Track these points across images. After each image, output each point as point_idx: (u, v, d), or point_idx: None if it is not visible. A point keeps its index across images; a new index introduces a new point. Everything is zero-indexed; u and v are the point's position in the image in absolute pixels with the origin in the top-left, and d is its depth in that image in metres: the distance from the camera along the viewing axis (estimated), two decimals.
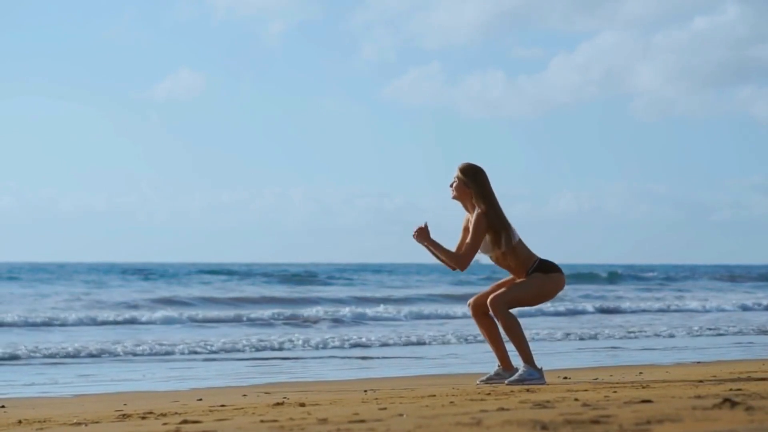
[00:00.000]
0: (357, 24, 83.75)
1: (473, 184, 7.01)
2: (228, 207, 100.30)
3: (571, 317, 20.55)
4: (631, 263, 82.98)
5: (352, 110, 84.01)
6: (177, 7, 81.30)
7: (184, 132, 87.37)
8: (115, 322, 17.83)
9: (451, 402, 5.50)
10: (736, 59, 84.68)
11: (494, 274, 30.55)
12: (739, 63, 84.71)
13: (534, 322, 16.97)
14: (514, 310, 7.00)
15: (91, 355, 11.72)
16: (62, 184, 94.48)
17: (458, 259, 6.96)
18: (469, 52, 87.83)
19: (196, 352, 12.14)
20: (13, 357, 11.39)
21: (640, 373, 8.04)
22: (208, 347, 12.44)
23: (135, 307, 22.11)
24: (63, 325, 17.13)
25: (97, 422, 5.36)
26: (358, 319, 18.62)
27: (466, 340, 13.70)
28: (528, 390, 6.42)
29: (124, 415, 5.61)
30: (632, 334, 14.98)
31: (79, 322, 17.49)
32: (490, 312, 6.97)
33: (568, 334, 14.51)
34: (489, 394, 6.14)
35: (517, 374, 6.95)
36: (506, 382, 6.94)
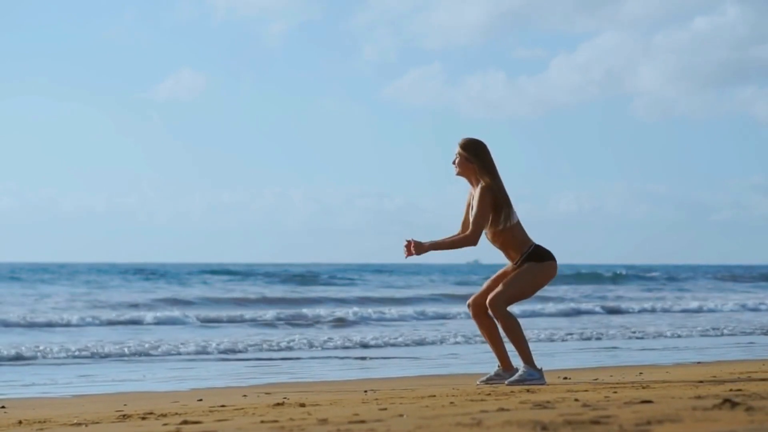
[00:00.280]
0: (358, 24, 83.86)
1: (475, 158, 6.99)
2: (228, 207, 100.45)
3: (572, 317, 20.53)
4: (631, 263, 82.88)
5: (352, 110, 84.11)
6: (177, 8, 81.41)
7: (185, 132, 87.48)
8: (116, 323, 17.82)
9: (452, 402, 5.50)
10: (736, 59, 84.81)
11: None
12: (739, 63, 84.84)
13: (534, 323, 16.95)
14: (514, 309, 6.99)
15: (91, 356, 11.71)
16: (63, 184, 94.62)
17: (467, 238, 6.91)
18: (469, 53, 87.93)
19: (196, 353, 12.14)
20: (14, 357, 11.39)
21: (641, 373, 8.04)
22: (209, 347, 12.44)
23: (135, 307, 22.10)
24: (63, 325, 17.13)
25: (97, 423, 5.36)
26: (359, 320, 18.61)
27: (466, 340, 13.69)
28: (528, 390, 6.42)
29: (124, 415, 5.61)
30: (633, 335, 14.97)
31: (80, 323, 17.49)
32: (490, 312, 6.96)
33: (569, 335, 14.52)
34: (489, 394, 6.13)
35: (517, 375, 6.94)
36: (506, 382, 6.93)
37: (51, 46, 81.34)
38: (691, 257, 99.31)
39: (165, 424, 4.93)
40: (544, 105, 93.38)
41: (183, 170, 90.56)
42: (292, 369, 10.26)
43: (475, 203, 6.94)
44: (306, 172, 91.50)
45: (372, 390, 6.99)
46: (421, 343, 13.52)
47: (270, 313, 19.31)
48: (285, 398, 6.31)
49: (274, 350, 12.49)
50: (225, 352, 12.24)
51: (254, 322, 17.95)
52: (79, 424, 5.31)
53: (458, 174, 7.05)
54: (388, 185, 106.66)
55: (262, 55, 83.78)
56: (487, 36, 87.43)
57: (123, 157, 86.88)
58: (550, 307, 22.82)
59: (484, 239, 7.03)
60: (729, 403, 4.43)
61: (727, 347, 12.59)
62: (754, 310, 23.70)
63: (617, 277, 48.27)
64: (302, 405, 5.67)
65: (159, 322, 17.85)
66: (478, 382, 7.14)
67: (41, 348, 12.02)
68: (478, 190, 6.94)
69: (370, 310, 20.48)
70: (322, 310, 20.55)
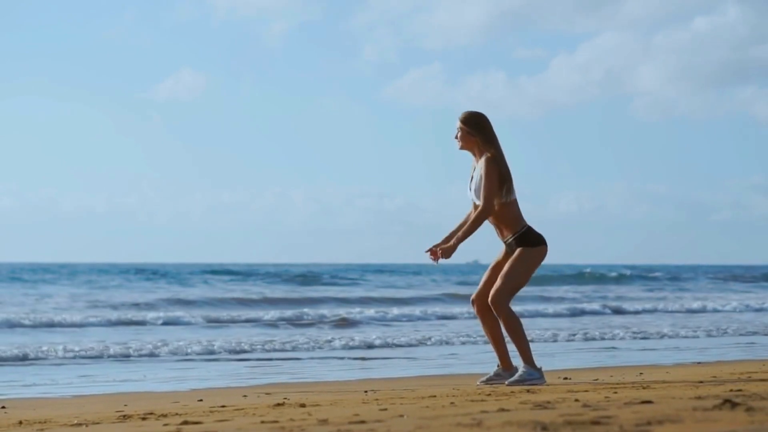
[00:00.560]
0: (358, 24, 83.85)
1: (477, 131, 6.97)
2: (228, 207, 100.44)
3: (573, 318, 20.53)
4: (631, 263, 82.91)
5: (353, 111, 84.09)
6: (178, 8, 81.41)
7: (185, 132, 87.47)
8: (117, 323, 17.82)
9: (452, 403, 5.50)
10: (736, 60, 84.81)
11: None
12: (739, 63, 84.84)
13: (535, 322, 16.96)
14: (516, 308, 6.98)
15: (91, 356, 11.71)
16: (63, 185, 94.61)
17: (483, 211, 6.87)
18: (469, 53, 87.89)
19: (196, 353, 12.14)
20: (15, 357, 11.39)
21: (641, 373, 8.04)
22: (209, 348, 12.44)
23: (136, 307, 22.10)
24: (64, 325, 17.12)
25: (97, 423, 5.36)
26: (361, 320, 18.60)
27: (466, 340, 13.69)
28: (528, 391, 6.42)
29: (124, 415, 5.61)
30: (633, 335, 14.97)
31: (80, 323, 17.49)
32: (492, 310, 6.95)
33: (572, 335, 14.51)
34: (489, 394, 6.14)
35: (517, 375, 6.94)
36: (506, 383, 6.93)
37: (51, 46, 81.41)
38: (691, 257, 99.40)
39: (165, 425, 4.93)
40: (544, 105, 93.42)
41: (183, 170, 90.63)
42: (292, 369, 10.26)
43: (477, 175, 6.93)
44: (306, 172, 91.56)
45: (372, 390, 6.99)
46: (421, 343, 13.51)
47: (271, 314, 19.31)
48: (285, 398, 6.31)
49: (275, 350, 12.48)
50: (225, 352, 12.24)
51: (255, 323, 17.95)
52: (80, 425, 5.31)
53: (461, 148, 7.03)
54: (388, 185, 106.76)
55: (262, 55, 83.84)
56: (487, 36, 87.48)
57: (123, 157, 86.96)
58: (551, 307, 22.82)
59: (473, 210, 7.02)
60: (729, 403, 4.43)
61: (727, 347, 12.59)
62: (755, 310, 23.70)
63: (618, 277, 48.28)
64: (302, 405, 5.67)
65: (160, 322, 17.85)
66: (478, 383, 7.14)
67: (42, 348, 12.02)
68: (482, 162, 6.92)
69: (372, 311, 20.48)
70: (324, 310, 20.56)
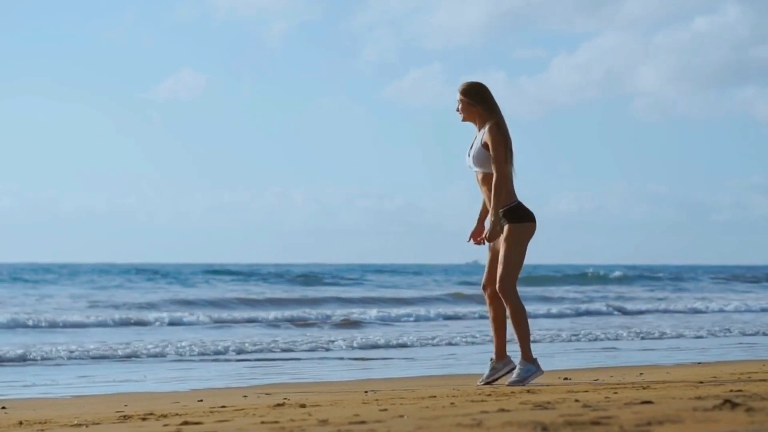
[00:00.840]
0: (358, 24, 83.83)
1: (478, 101, 6.97)
2: (229, 207, 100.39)
3: (573, 318, 20.54)
4: (631, 264, 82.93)
5: (353, 111, 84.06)
6: (178, 8, 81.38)
7: (185, 132, 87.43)
8: (117, 323, 17.82)
9: (452, 403, 5.50)
10: (736, 60, 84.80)
11: None
12: (739, 63, 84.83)
13: (536, 323, 16.96)
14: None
15: (92, 356, 11.71)
16: (63, 184, 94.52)
17: (499, 180, 6.84)
18: (470, 53, 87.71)
19: (197, 353, 12.13)
20: (15, 358, 11.38)
21: (641, 373, 8.04)
22: (210, 348, 12.44)
23: (137, 307, 22.09)
24: (64, 326, 17.12)
25: (97, 423, 5.36)
26: (364, 320, 18.58)
27: (467, 340, 13.69)
28: (529, 391, 6.43)
29: (124, 416, 5.61)
30: (634, 335, 14.97)
31: (81, 323, 17.48)
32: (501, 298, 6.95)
33: (573, 335, 14.51)
34: (489, 395, 6.14)
35: (515, 374, 6.97)
36: (507, 383, 6.96)
37: (51, 46, 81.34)
38: (692, 257, 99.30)
39: (165, 425, 4.93)
40: (544, 105, 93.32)
41: (183, 170, 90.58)
42: (292, 369, 10.26)
43: (477, 143, 6.91)
44: (306, 172, 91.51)
45: (372, 391, 7.00)
46: (424, 343, 13.51)
47: (273, 314, 19.31)
48: (285, 399, 6.31)
49: (275, 351, 12.48)
50: (226, 352, 12.23)
51: (257, 323, 17.94)
52: (80, 425, 5.31)
53: (464, 120, 7.04)
54: (388, 185, 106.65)
55: (262, 55, 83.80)
56: (487, 36, 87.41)
57: (123, 158, 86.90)
58: (552, 307, 22.82)
59: (474, 182, 7.01)
60: (729, 403, 4.43)
61: (727, 348, 12.59)
62: (755, 310, 23.69)
63: (619, 277, 48.28)
64: (303, 406, 5.67)
65: (160, 323, 17.85)
66: (478, 383, 7.15)
67: (42, 348, 12.02)
68: (486, 131, 6.92)
69: (375, 311, 20.47)
70: (326, 310, 20.55)
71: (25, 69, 79.82)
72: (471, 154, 6.99)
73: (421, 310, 20.75)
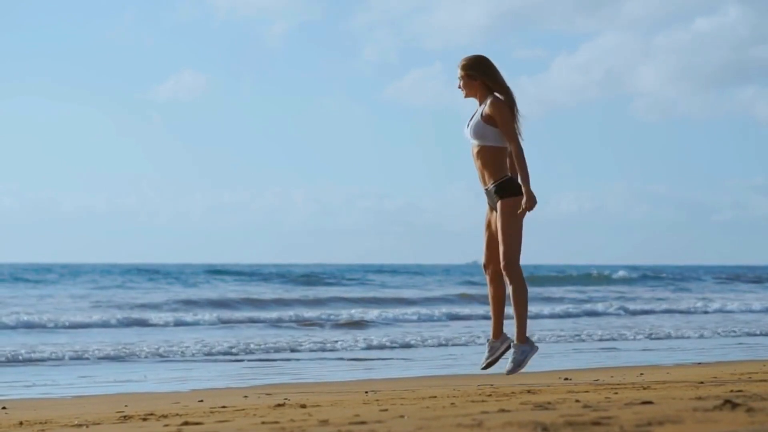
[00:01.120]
0: (358, 25, 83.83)
1: (479, 73, 6.92)
2: (229, 207, 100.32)
3: (574, 318, 20.53)
4: (631, 264, 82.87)
5: (353, 111, 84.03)
6: (178, 8, 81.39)
7: (186, 132, 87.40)
8: (118, 323, 17.81)
9: (452, 403, 5.50)
10: (737, 60, 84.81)
11: None
12: (740, 64, 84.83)
13: (536, 323, 16.96)
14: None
15: (92, 357, 11.71)
16: (63, 185, 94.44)
17: (517, 150, 6.81)
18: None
19: (197, 353, 12.13)
20: (15, 358, 11.38)
21: (641, 374, 8.03)
22: (210, 348, 12.44)
23: (138, 307, 22.09)
24: (65, 326, 17.12)
25: (98, 423, 5.36)
26: (367, 320, 18.56)
27: (467, 340, 13.69)
28: (529, 391, 6.43)
29: (125, 416, 5.61)
30: (634, 335, 14.96)
31: (81, 324, 17.48)
32: (505, 277, 6.95)
33: (574, 335, 14.51)
34: (490, 395, 6.14)
35: (510, 361, 7.01)
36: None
37: (51, 46, 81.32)
38: (692, 258, 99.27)
39: (166, 425, 4.94)
40: (544, 105, 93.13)
41: (183, 170, 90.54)
42: (293, 370, 10.26)
43: (477, 115, 6.88)
44: (306, 173, 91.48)
45: (373, 391, 7.00)
46: (422, 343, 13.50)
47: (275, 314, 19.31)
48: (286, 399, 6.31)
49: (276, 351, 12.47)
50: (226, 353, 12.23)
51: (258, 323, 17.94)
52: (80, 425, 5.31)
53: (466, 96, 6.99)
54: (388, 185, 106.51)
55: (262, 55, 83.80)
56: (487, 36, 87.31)
57: (123, 158, 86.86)
58: (552, 307, 22.82)
59: (468, 156, 7.00)
60: (730, 404, 4.43)
61: (728, 348, 12.58)
62: (755, 311, 23.68)
63: (624, 277, 48.26)
64: (303, 406, 5.67)
65: (161, 323, 17.85)
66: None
67: (43, 348, 12.02)
68: (488, 104, 6.86)
69: (374, 311, 20.47)
70: (329, 310, 20.54)
71: (25, 69, 79.87)
72: (470, 125, 6.95)
73: (424, 310, 20.73)
